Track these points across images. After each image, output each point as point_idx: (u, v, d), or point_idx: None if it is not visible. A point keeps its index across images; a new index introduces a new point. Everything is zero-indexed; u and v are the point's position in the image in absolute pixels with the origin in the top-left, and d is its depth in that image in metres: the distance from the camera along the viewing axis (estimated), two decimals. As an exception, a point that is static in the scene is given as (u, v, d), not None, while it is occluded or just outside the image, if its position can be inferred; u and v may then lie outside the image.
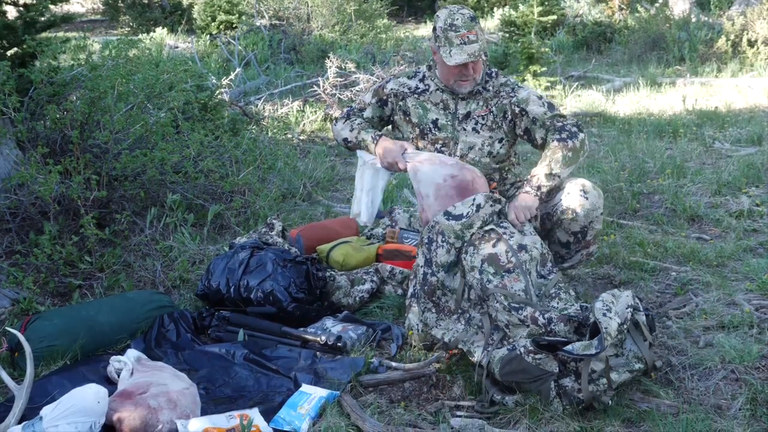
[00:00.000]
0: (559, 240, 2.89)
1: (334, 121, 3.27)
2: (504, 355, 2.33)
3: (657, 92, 7.82)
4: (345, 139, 3.11)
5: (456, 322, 2.64)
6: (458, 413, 2.36)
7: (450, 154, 2.95)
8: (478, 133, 2.95)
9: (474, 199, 2.68)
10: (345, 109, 3.23)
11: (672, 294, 3.12)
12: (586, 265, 3.34)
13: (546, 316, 2.40)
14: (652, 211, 4.15)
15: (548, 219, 2.88)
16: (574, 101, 7.57)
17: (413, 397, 2.48)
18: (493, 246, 2.54)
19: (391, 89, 3.06)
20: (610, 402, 2.25)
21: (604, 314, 2.25)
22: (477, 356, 2.48)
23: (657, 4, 11.49)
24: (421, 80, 3.03)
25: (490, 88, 2.95)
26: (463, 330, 2.60)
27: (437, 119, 2.97)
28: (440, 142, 2.97)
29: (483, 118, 2.94)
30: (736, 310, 2.86)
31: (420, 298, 2.69)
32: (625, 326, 2.26)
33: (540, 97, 2.90)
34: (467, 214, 2.64)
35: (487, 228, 2.61)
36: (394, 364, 2.64)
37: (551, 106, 2.88)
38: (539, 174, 2.77)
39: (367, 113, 3.12)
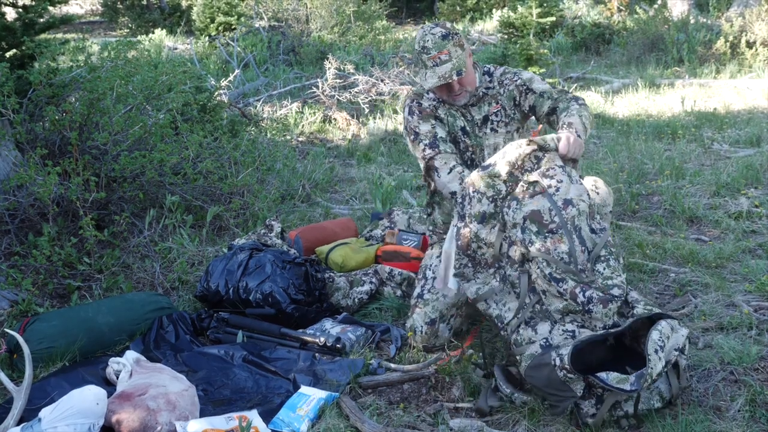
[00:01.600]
0: None
1: (436, 172, 2.84)
2: (535, 354, 2.24)
3: (656, 93, 7.83)
4: (453, 193, 2.79)
5: (492, 277, 2.46)
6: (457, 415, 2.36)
7: (478, 161, 2.94)
8: (497, 132, 2.97)
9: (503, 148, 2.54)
10: (428, 151, 2.85)
11: (671, 295, 3.12)
12: None
13: (587, 294, 2.24)
14: (651, 213, 4.15)
15: None
16: (572, 102, 7.56)
17: (412, 399, 2.48)
18: (537, 201, 2.34)
19: (429, 104, 2.95)
20: (627, 428, 2.20)
21: (656, 351, 2.10)
22: (507, 320, 2.36)
23: (656, 6, 11.50)
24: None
25: (494, 84, 2.97)
26: (499, 286, 2.44)
27: (464, 126, 2.96)
28: (470, 149, 2.96)
29: (496, 115, 2.96)
30: (735, 311, 2.86)
31: (456, 256, 2.50)
32: (665, 369, 2.14)
33: (543, 80, 2.95)
34: (494, 162, 2.46)
35: (531, 179, 2.40)
36: (393, 365, 2.64)
37: (554, 87, 2.92)
38: (575, 123, 2.62)
39: (441, 134, 2.88)
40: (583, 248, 2.29)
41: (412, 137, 2.92)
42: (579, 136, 2.57)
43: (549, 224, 2.30)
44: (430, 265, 2.92)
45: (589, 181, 2.85)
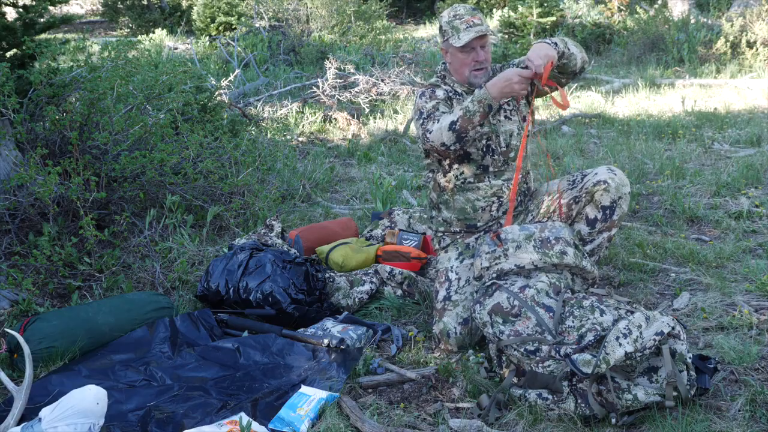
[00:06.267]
0: (587, 217, 2.91)
1: (428, 132, 2.81)
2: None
3: (656, 93, 7.82)
4: (451, 123, 2.73)
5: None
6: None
7: (497, 146, 2.98)
8: (511, 119, 3.03)
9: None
10: (425, 116, 2.87)
11: (671, 295, 3.12)
12: (606, 254, 3.30)
13: (562, 351, 2.30)
14: (651, 212, 4.15)
15: (575, 203, 2.91)
16: (573, 102, 7.57)
17: (412, 399, 2.48)
18: (496, 296, 2.48)
19: (443, 93, 2.96)
20: (615, 420, 2.20)
21: (617, 338, 2.18)
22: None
23: (656, 6, 11.49)
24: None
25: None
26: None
27: None
28: (485, 136, 2.98)
29: (508, 104, 3.03)
30: (735, 311, 2.86)
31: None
32: (644, 353, 2.17)
33: None
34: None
35: (488, 283, 2.56)
36: (393, 367, 2.64)
37: None
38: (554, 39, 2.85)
39: (442, 109, 2.88)
40: (551, 314, 2.38)
41: (416, 116, 2.94)
42: (555, 43, 2.77)
43: (511, 310, 2.41)
44: (452, 267, 2.92)
45: (604, 167, 2.94)
